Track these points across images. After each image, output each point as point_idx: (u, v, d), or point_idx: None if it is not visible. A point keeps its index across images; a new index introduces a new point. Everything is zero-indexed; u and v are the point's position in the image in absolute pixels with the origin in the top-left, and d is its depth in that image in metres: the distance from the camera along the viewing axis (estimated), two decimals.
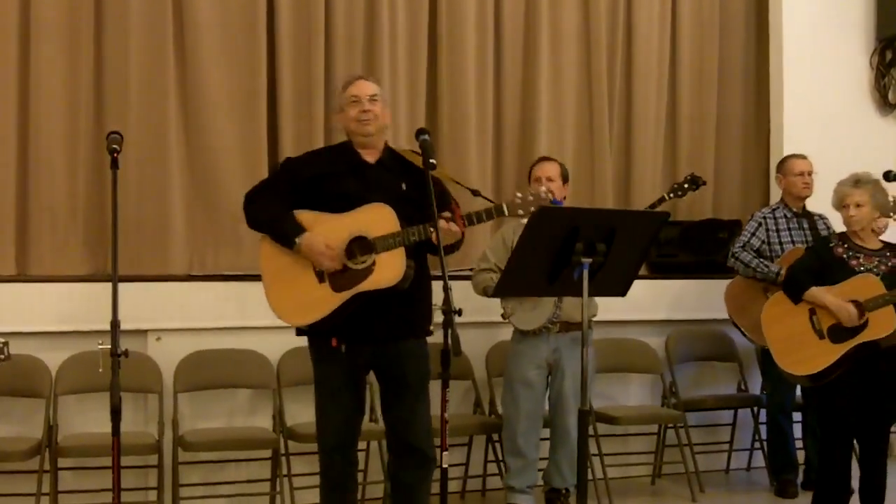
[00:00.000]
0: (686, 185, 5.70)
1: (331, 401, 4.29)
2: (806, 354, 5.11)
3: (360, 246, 4.11)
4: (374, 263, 4.08)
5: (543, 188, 4.29)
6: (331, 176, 4.26)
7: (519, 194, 4.17)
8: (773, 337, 5.28)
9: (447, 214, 4.12)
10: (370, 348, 4.23)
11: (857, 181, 5.20)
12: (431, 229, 4.00)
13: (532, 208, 4.07)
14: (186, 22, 6.03)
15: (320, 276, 4.14)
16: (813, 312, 5.15)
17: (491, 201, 4.48)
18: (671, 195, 5.69)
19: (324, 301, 4.12)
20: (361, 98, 4.27)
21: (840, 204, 5.24)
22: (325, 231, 4.14)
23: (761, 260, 6.04)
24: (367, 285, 4.09)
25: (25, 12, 5.77)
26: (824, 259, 5.21)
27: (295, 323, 4.24)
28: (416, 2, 6.58)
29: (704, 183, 5.75)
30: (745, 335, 6.25)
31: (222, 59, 6.11)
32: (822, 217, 6.24)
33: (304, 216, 4.20)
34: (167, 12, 5.97)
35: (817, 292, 5.12)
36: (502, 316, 5.56)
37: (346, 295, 4.10)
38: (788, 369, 5.21)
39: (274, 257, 4.22)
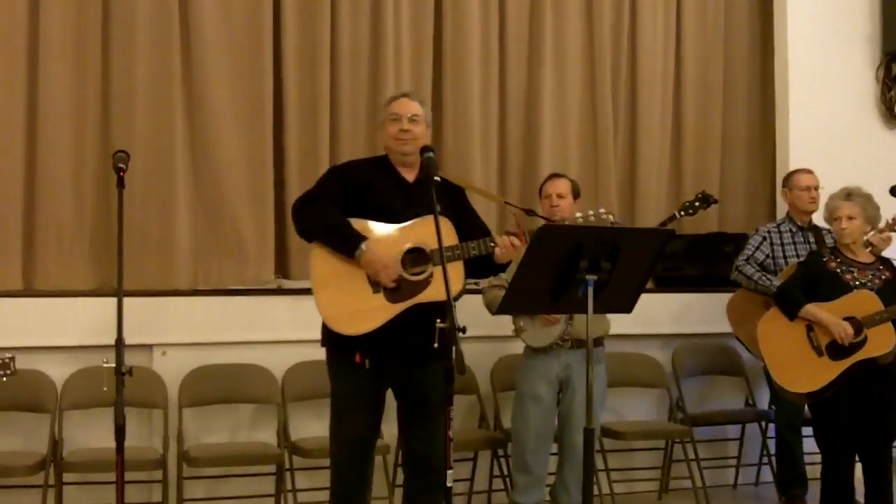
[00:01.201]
0: (697, 203, 5.67)
1: (347, 417, 4.27)
2: (804, 371, 5.10)
3: (414, 257, 4.10)
4: (431, 275, 4.07)
5: (603, 210, 4.29)
6: (375, 187, 4.25)
7: (579, 213, 4.21)
8: (771, 353, 5.27)
9: (512, 230, 4.13)
10: (395, 366, 4.21)
11: (849, 194, 5.20)
12: (493, 244, 4.05)
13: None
14: (192, 38, 6.05)
15: (375, 285, 4.11)
16: (810, 329, 5.13)
17: (546, 219, 4.54)
18: (682, 213, 5.67)
19: (379, 311, 4.08)
20: (402, 116, 4.29)
21: (831, 217, 5.25)
22: (381, 241, 4.12)
23: (763, 273, 6.03)
24: (425, 297, 4.07)
25: (34, 29, 5.81)
26: (817, 274, 5.19)
27: (346, 332, 4.13)
28: (421, 16, 6.59)
29: (716, 201, 5.73)
30: (746, 348, 6.24)
31: (228, 74, 6.13)
32: (829, 231, 6.21)
33: (358, 224, 4.17)
34: (173, 28, 5.99)
35: (813, 309, 5.10)
36: (514, 332, 5.53)
37: (403, 306, 4.08)
38: (787, 386, 5.19)
39: (326, 263, 4.16)
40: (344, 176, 4.37)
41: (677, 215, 5.68)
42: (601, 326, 5.39)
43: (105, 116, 5.94)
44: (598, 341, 5.38)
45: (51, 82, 5.81)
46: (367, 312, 4.08)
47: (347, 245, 4.10)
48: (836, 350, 5.04)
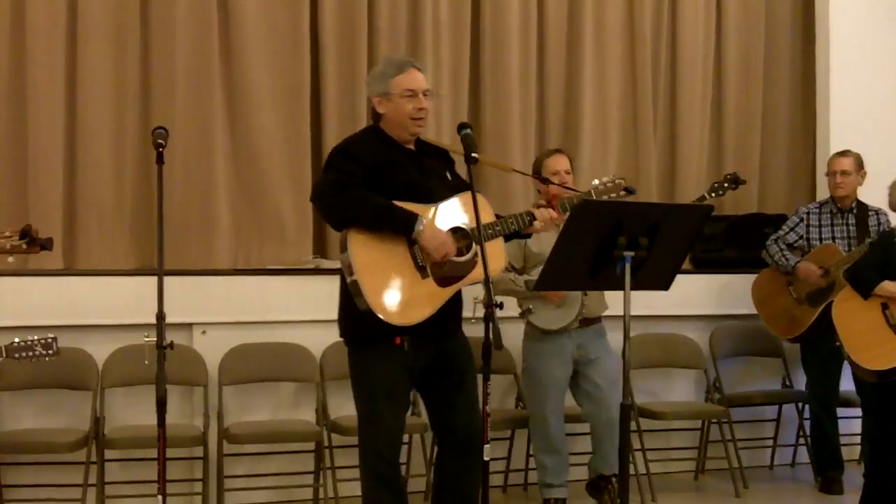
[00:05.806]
0: (726, 185, 5.66)
1: (387, 405, 4.01)
2: (883, 350, 5.03)
3: (458, 238, 3.97)
4: (476, 255, 3.93)
5: (617, 177, 4.37)
6: (393, 164, 4.00)
7: (596, 181, 4.35)
8: (847, 332, 5.20)
9: (543, 202, 4.09)
10: (433, 344, 4.03)
11: None
12: (531, 217, 4.02)
13: (613, 194, 4.32)
14: (231, 19, 6.08)
15: (422, 270, 3.91)
16: (885, 307, 5.09)
17: (573, 189, 4.69)
18: (711, 194, 5.66)
19: (432, 297, 3.91)
20: (418, 93, 4.02)
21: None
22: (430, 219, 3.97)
23: (784, 252, 6.08)
24: (474, 276, 3.94)
25: (73, 11, 5.85)
26: (888, 253, 5.15)
27: (402, 322, 3.86)
28: None
29: (744, 182, 5.71)
30: (767, 326, 6.25)
31: (266, 55, 6.16)
32: (878, 212, 6.16)
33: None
34: (212, 9, 6.02)
35: (887, 285, 5.07)
36: (520, 315, 5.51)
37: (454, 289, 3.95)
38: (865, 364, 5.09)
39: (366, 250, 3.87)
40: (357, 157, 3.99)
41: (706, 196, 5.68)
42: (602, 305, 5.56)
43: (144, 97, 5.98)
44: (598, 320, 5.58)
45: (90, 62, 5.85)
46: (420, 300, 3.88)
47: (404, 225, 3.86)
48: None
